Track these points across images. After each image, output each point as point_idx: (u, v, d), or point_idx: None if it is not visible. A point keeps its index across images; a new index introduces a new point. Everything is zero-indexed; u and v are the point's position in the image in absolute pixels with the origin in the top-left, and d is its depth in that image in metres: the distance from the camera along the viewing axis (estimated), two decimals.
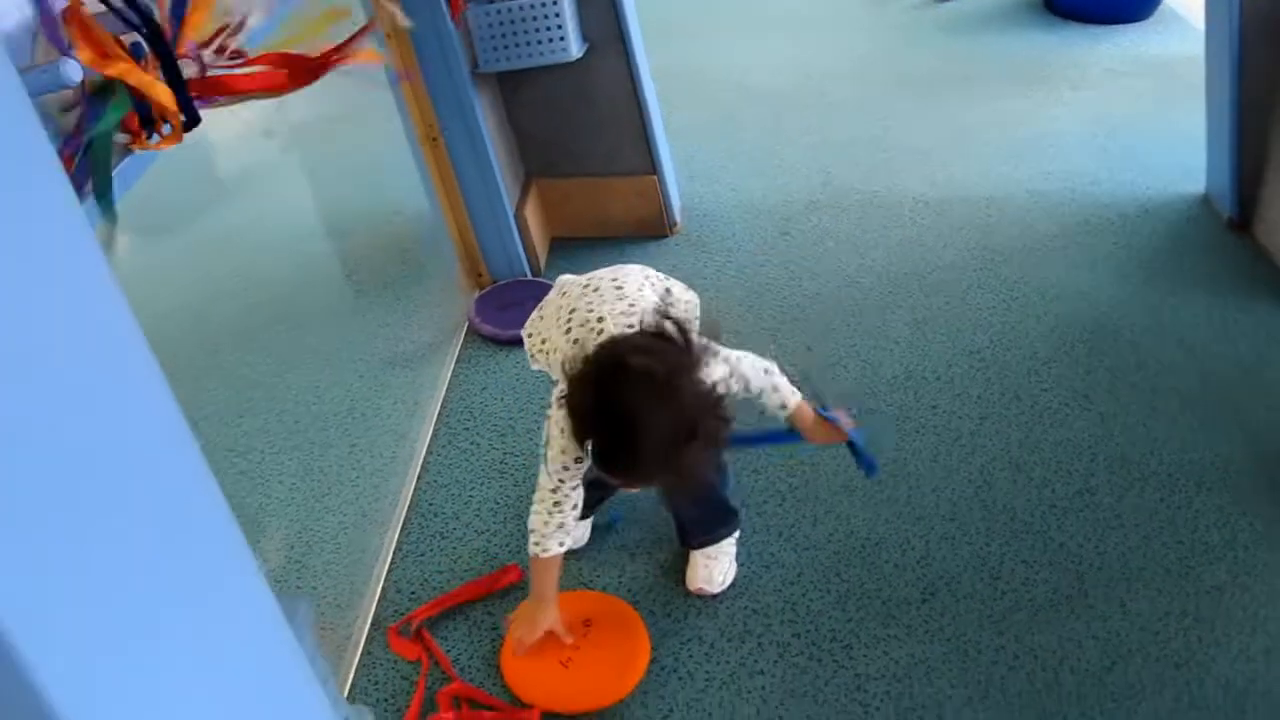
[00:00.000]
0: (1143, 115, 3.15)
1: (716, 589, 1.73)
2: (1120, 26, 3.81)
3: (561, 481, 1.48)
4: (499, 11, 2.24)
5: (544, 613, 1.60)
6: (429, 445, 2.10)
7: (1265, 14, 2.35)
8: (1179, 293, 2.37)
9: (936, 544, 1.79)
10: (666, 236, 2.66)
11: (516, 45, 2.28)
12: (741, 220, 2.74)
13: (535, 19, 2.25)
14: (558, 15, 2.26)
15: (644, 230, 2.64)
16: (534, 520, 1.53)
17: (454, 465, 2.05)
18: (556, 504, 1.50)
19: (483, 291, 2.47)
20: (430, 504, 1.97)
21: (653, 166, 2.56)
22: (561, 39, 2.28)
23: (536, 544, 1.54)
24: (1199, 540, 1.76)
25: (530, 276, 2.50)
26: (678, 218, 2.69)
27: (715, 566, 1.74)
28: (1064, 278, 2.46)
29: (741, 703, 1.56)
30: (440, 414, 2.17)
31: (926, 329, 2.32)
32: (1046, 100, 3.34)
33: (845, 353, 2.26)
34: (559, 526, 1.52)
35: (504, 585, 1.77)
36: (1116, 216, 2.68)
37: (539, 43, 2.29)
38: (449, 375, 2.28)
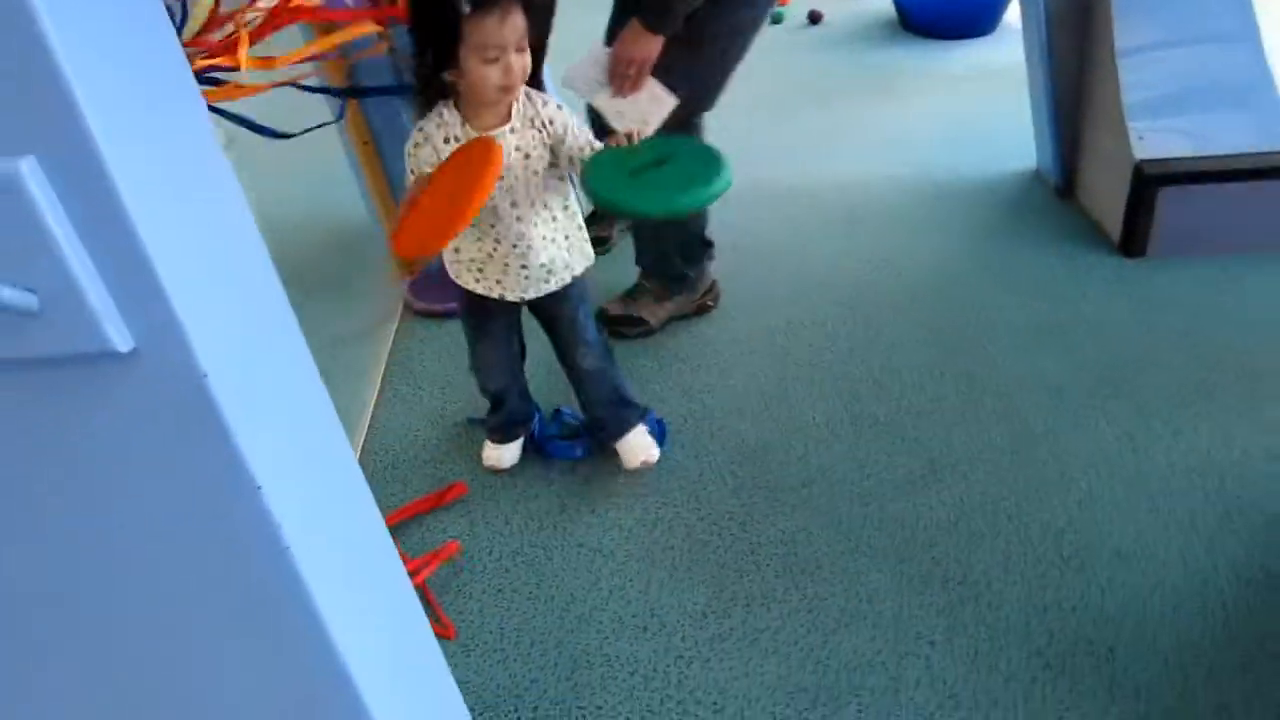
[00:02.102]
0: (985, 111, 3.62)
1: (655, 455, 2.10)
2: (967, 41, 4.33)
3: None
4: None
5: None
6: (376, 401, 2.39)
7: (1066, 18, 2.81)
8: (1015, 249, 2.80)
9: (813, 446, 2.14)
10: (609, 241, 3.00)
11: None
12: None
13: None
14: None
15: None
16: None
17: (400, 415, 2.34)
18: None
19: (413, 276, 2.77)
20: (381, 445, 2.26)
21: None
22: None
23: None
24: (1027, 430, 2.14)
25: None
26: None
27: (640, 443, 2.09)
28: (919, 242, 2.87)
29: (655, 570, 1.88)
30: (385, 377, 2.46)
31: (802, 287, 2.70)
32: (904, 104, 3.81)
33: (733, 309, 2.62)
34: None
35: (450, 499, 2.06)
36: (963, 191, 3.12)
37: None
38: (389, 347, 2.57)
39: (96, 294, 0.63)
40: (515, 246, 1.83)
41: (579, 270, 1.93)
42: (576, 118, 1.83)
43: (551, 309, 1.96)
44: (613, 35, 2.22)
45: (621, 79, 2.16)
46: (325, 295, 2.85)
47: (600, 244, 2.83)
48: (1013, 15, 4.40)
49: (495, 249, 1.84)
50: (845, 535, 1.92)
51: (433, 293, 2.68)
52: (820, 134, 3.61)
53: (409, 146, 1.76)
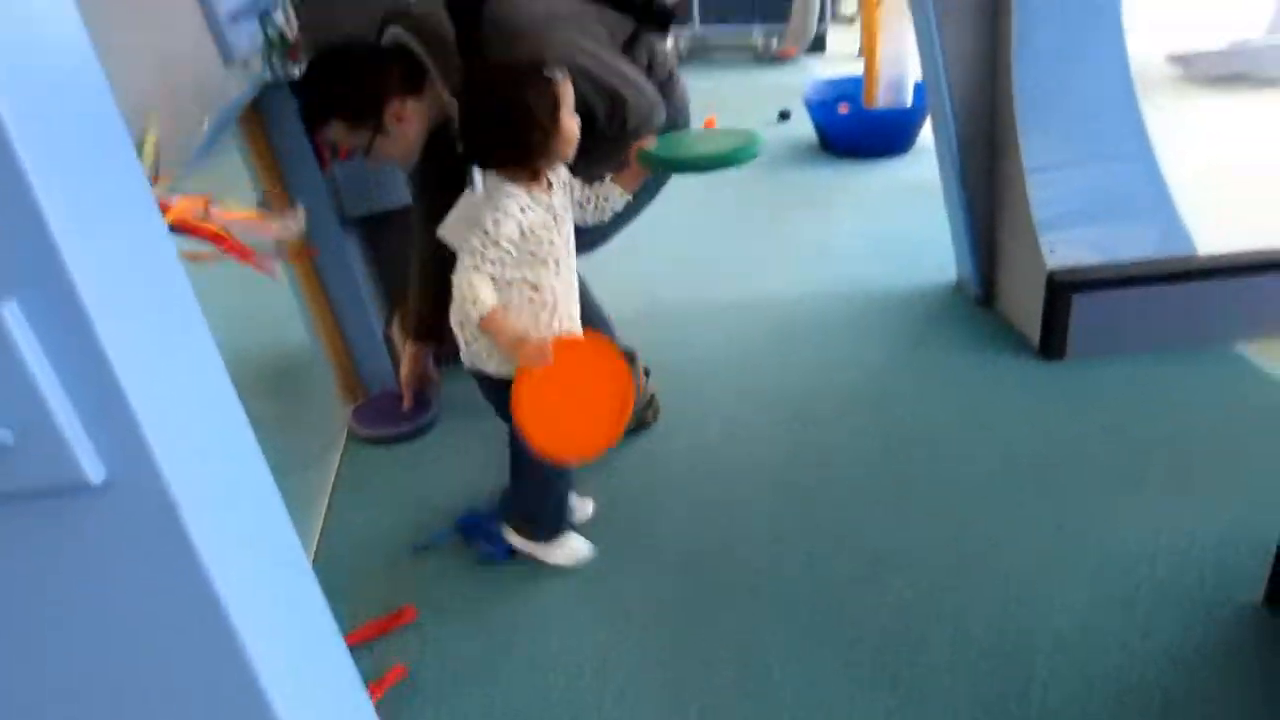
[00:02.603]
0: (906, 226, 3.79)
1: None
2: (885, 159, 4.56)
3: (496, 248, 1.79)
4: (361, 164, 2.65)
5: (536, 340, 1.79)
6: (322, 529, 2.38)
7: (975, 139, 3.00)
8: (942, 356, 2.92)
9: (759, 551, 2.18)
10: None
11: (378, 190, 2.70)
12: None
13: (393, 170, 2.68)
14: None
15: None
16: (469, 289, 1.76)
17: (348, 541, 2.34)
18: (476, 267, 1.78)
19: (358, 404, 2.80)
20: (328, 571, 2.25)
21: None
22: None
23: (481, 304, 1.76)
24: (964, 526, 2.20)
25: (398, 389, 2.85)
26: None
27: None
28: (851, 352, 2.98)
29: (608, 684, 1.89)
30: (330, 504, 2.46)
31: (741, 399, 2.77)
32: (831, 220, 3.98)
33: (675, 422, 2.68)
34: (485, 280, 1.79)
35: (399, 624, 2.05)
36: (890, 303, 3.25)
37: (399, 187, 2.71)
38: (335, 473, 2.58)
39: (71, 428, 0.66)
40: (559, 305, 1.91)
41: None
42: None
43: None
44: None
45: None
46: (269, 421, 2.86)
47: None
48: (927, 135, 4.64)
49: (548, 316, 1.90)
50: (796, 638, 1.94)
51: (379, 419, 2.70)
52: (753, 250, 3.75)
53: (487, 224, 1.78)
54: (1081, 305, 2.76)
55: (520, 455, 2.03)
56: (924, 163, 4.48)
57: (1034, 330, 2.89)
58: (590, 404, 1.86)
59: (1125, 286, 2.75)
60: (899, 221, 3.86)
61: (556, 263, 1.88)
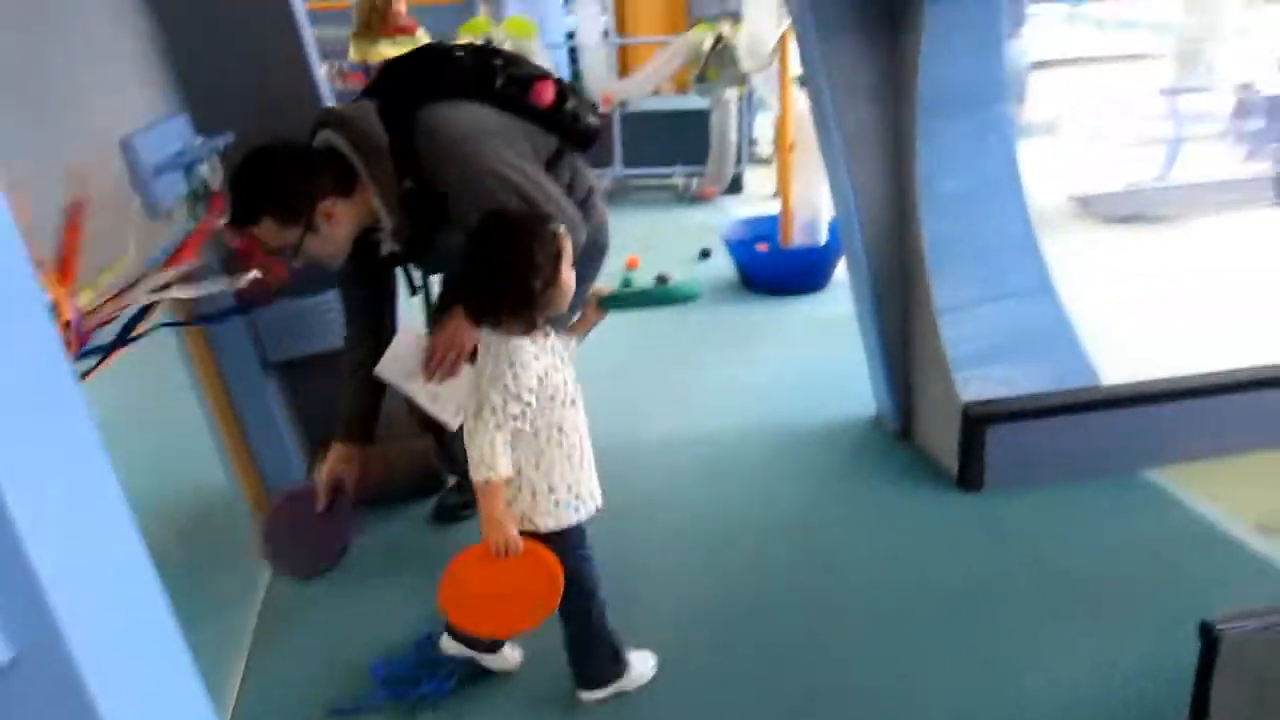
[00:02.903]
0: (825, 361, 3.89)
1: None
2: (802, 296, 4.70)
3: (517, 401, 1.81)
4: (284, 309, 2.66)
5: (511, 532, 1.86)
6: (240, 689, 2.28)
7: (889, 278, 3.12)
8: (864, 489, 2.96)
9: (691, 686, 2.15)
10: (445, 488, 3.03)
11: (299, 336, 2.70)
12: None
13: (315, 314, 2.69)
14: (333, 311, 2.70)
15: (424, 486, 3.00)
16: (489, 452, 1.79)
17: (267, 700, 2.25)
18: (499, 425, 1.79)
19: (268, 511, 2.65)
20: None
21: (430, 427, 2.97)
22: (338, 329, 2.72)
23: (490, 469, 1.80)
24: (891, 661, 2.21)
25: None
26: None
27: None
28: (775, 486, 3.01)
29: None
30: (250, 657, 2.37)
31: (670, 536, 2.77)
32: (753, 357, 4.06)
33: (608, 555, 2.65)
34: (505, 444, 1.81)
35: None
36: (812, 437, 3.30)
37: (318, 333, 2.72)
38: (254, 624, 2.49)
39: None
40: (583, 443, 1.97)
41: None
42: None
43: None
44: (435, 323, 2.36)
45: (441, 366, 2.32)
46: (184, 569, 2.77)
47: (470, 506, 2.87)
48: (842, 272, 4.80)
49: (579, 458, 1.96)
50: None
51: (294, 539, 2.60)
52: (679, 388, 3.80)
53: (507, 379, 1.80)
54: (995, 437, 2.84)
55: (572, 625, 2.09)
56: (840, 299, 4.61)
57: (952, 462, 2.96)
58: (513, 598, 1.95)
59: (1036, 418, 2.85)
60: (819, 357, 3.96)
61: (573, 401, 1.93)
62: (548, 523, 1.93)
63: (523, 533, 1.89)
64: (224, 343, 2.53)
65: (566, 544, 1.97)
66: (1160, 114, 6.56)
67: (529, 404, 1.82)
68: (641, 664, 2.18)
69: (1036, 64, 7.81)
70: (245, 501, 2.72)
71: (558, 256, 1.82)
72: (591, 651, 2.11)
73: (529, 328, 1.83)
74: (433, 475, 2.99)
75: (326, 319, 2.70)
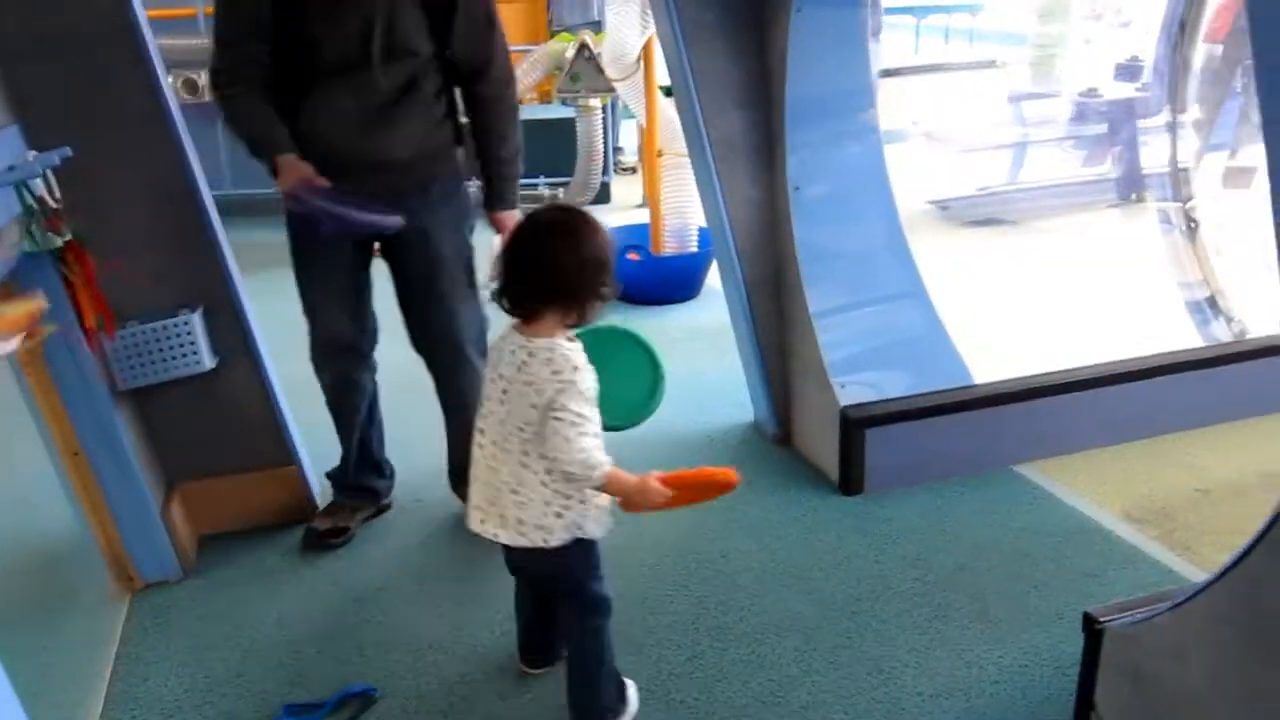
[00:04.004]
0: (700, 368, 3.87)
1: None
2: (676, 305, 4.69)
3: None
4: (133, 335, 2.48)
5: (651, 483, 1.85)
6: None
7: (762, 285, 3.11)
8: (746, 497, 2.92)
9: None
10: (310, 520, 2.88)
11: (152, 362, 2.52)
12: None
13: (169, 338, 2.52)
14: (189, 334, 2.54)
15: (290, 517, 2.84)
16: (590, 454, 1.74)
17: None
18: (582, 432, 1.73)
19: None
20: None
21: (291, 458, 2.82)
22: (195, 353, 2.55)
23: (602, 467, 1.76)
24: (784, 675, 2.19)
25: (181, 574, 2.61)
26: (319, 502, 2.91)
27: None
28: None
29: None
30: (104, 714, 2.19)
31: None
32: None
33: (467, 572, 2.57)
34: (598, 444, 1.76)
35: None
36: (690, 446, 3.28)
37: (173, 358, 2.54)
38: (109, 675, 2.30)
39: None
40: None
41: None
42: None
43: None
44: None
45: None
46: (29, 618, 2.56)
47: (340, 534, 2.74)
48: (714, 279, 4.81)
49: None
50: None
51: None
52: None
53: (583, 387, 1.76)
54: (874, 440, 2.87)
55: (583, 655, 1.99)
56: (714, 306, 4.61)
57: (832, 466, 2.97)
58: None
59: (913, 419, 2.88)
60: (695, 364, 3.94)
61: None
62: (595, 531, 1.88)
63: (528, 550, 1.84)
64: (65, 372, 2.33)
65: (592, 559, 1.93)
66: (1008, 119, 6.82)
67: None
68: (634, 696, 2.10)
69: (885, 72, 8.02)
70: (95, 541, 2.52)
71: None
72: (599, 684, 1.99)
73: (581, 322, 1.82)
74: (298, 503, 2.84)
75: (180, 343, 2.53)
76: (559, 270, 1.75)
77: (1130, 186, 5.56)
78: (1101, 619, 1.95)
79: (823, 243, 2.97)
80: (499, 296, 1.80)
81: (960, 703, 2.09)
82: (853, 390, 2.90)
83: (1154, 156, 5.03)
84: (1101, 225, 5.82)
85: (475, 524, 1.90)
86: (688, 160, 4.67)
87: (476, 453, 1.88)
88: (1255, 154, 4.48)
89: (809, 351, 2.99)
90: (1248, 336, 3.26)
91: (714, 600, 2.47)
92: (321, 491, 2.95)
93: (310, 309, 2.63)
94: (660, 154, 4.69)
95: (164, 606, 2.53)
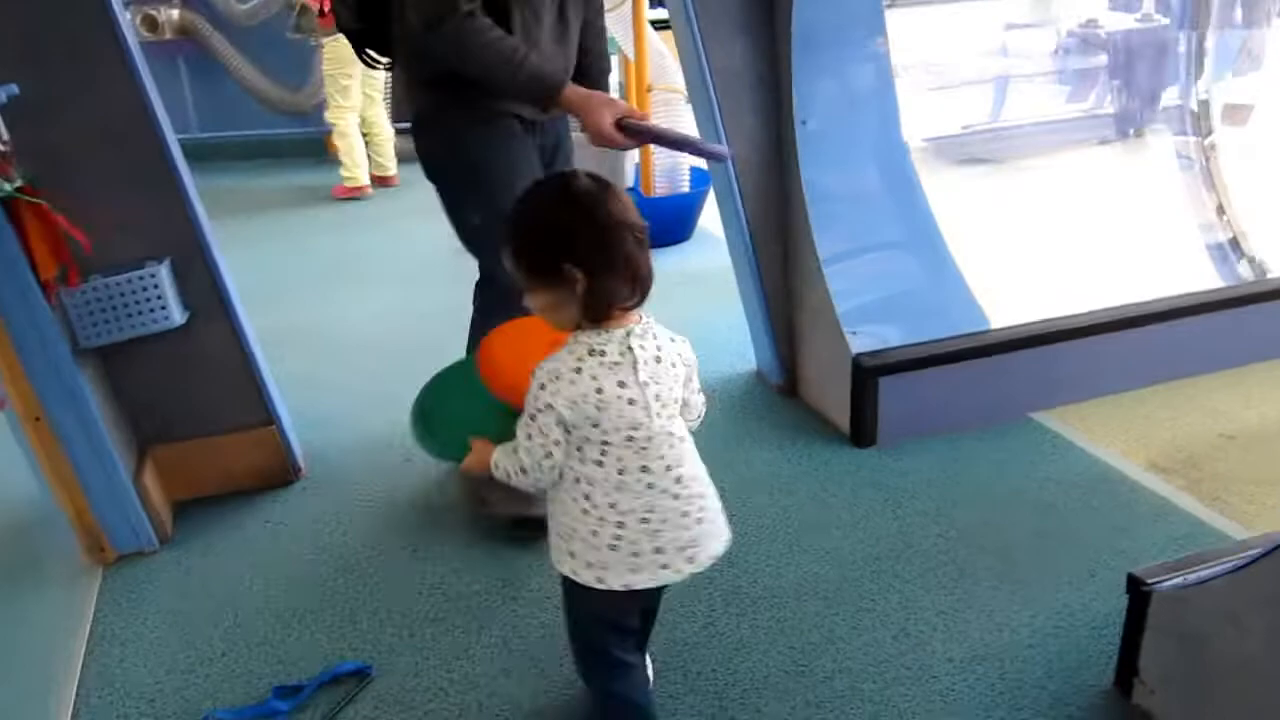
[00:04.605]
0: (698, 315, 3.70)
1: None
2: (669, 248, 4.50)
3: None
4: (95, 289, 2.29)
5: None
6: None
7: (764, 223, 2.94)
8: (754, 451, 2.80)
9: None
10: (293, 483, 2.72)
11: (117, 318, 2.33)
12: (365, 457, 2.85)
13: (134, 292, 2.33)
14: (156, 287, 2.35)
15: (269, 480, 2.68)
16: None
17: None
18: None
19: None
20: None
21: (269, 417, 2.65)
22: (163, 308, 2.37)
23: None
24: (806, 643, 2.06)
25: (157, 544, 2.46)
26: (301, 464, 2.76)
27: None
28: None
29: None
30: (78, 697, 2.04)
31: None
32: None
33: (469, 539, 2.42)
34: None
35: None
36: None
37: (140, 314, 2.36)
38: (81, 660, 2.14)
39: None
40: None
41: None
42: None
43: None
44: None
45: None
46: None
47: None
48: (706, 220, 4.63)
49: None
50: None
51: None
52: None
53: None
54: (887, 389, 2.72)
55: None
56: (708, 249, 4.46)
57: (842, 417, 2.83)
58: None
59: (928, 367, 2.74)
60: (692, 311, 3.77)
61: None
62: (582, 573, 1.59)
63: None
64: (23, 330, 2.15)
65: (575, 611, 1.72)
66: (998, 52, 6.59)
67: None
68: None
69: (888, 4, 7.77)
70: (64, 512, 2.35)
71: None
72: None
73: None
74: (279, 465, 2.68)
75: (147, 297, 2.34)
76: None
77: (1129, 122, 5.38)
78: (1149, 581, 1.83)
79: (831, 182, 2.79)
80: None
81: (994, 668, 1.97)
82: (864, 338, 2.75)
83: (1158, 90, 4.88)
84: (1101, 163, 5.64)
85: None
86: (678, 96, 4.51)
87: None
88: (1253, 89, 4.31)
89: (818, 297, 2.83)
90: (1268, 276, 3.13)
91: (725, 562, 2.29)
92: (304, 453, 2.79)
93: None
94: (650, 89, 4.47)
95: (139, 580, 2.38)
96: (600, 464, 1.48)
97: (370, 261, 4.78)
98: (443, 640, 2.12)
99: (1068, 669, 1.96)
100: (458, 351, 3.52)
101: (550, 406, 1.44)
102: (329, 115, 5.90)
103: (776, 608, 2.17)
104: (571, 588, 1.60)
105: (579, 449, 1.48)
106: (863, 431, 2.77)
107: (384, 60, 2.41)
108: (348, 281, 4.49)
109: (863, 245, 2.80)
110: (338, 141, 5.90)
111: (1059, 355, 2.86)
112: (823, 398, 2.96)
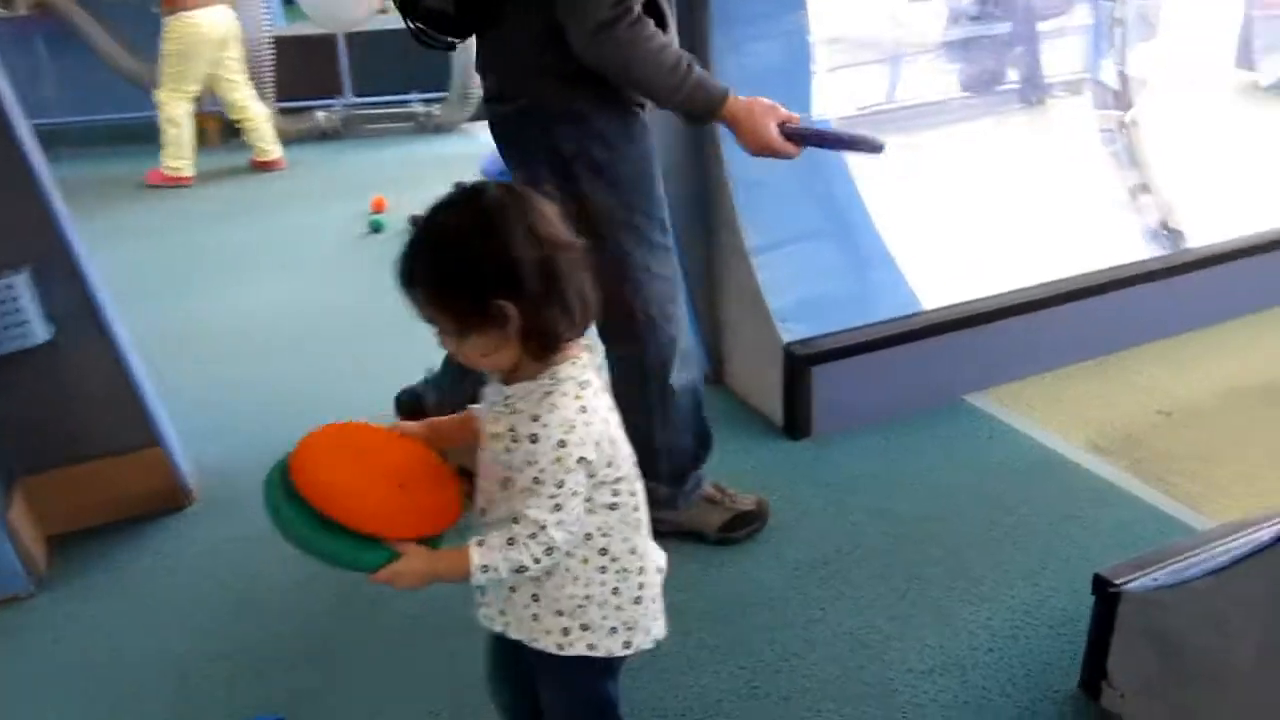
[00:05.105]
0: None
1: None
2: None
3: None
4: None
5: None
6: None
7: (684, 200, 2.78)
8: None
9: None
10: (185, 507, 2.46)
11: None
12: (266, 471, 2.61)
13: None
14: (14, 300, 2.09)
15: (157, 507, 2.43)
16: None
17: None
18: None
19: None
20: None
21: (153, 437, 2.40)
22: (23, 324, 2.11)
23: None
24: (760, 661, 1.92)
25: (31, 588, 2.19)
26: (193, 486, 2.51)
27: None
28: None
29: None
30: None
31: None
32: None
33: None
34: None
35: None
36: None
37: (24, 323, 2.10)
38: None
39: None
40: None
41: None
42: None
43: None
44: None
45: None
46: None
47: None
48: None
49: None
50: None
51: None
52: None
53: None
54: (822, 378, 2.60)
55: None
56: None
57: (773, 407, 2.71)
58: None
59: (862, 353, 2.63)
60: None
61: None
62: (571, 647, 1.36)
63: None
64: None
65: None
66: (898, 26, 6.53)
67: None
68: None
69: None
70: None
71: None
72: None
73: None
74: (167, 489, 2.43)
75: (4, 311, 2.08)
76: None
77: (1034, 91, 5.37)
78: (1117, 581, 1.74)
79: (756, 162, 2.65)
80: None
81: (956, 679, 1.87)
82: (796, 326, 2.62)
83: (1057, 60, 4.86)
84: (1017, 136, 5.62)
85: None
86: None
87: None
88: (1146, 62, 4.29)
89: (744, 281, 2.69)
90: (1191, 246, 3.11)
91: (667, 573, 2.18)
92: (196, 472, 2.53)
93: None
94: None
95: (13, 628, 2.12)
96: (614, 507, 1.28)
97: (258, 252, 4.43)
98: (366, 684, 1.92)
99: (1031, 674, 1.88)
100: (362, 344, 3.31)
101: (583, 460, 1.20)
102: (160, 95, 5.39)
103: (724, 623, 2.03)
104: (579, 669, 1.35)
105: (588, 499, 1.25)
106: (796, 423, 2.65)
107: (452, 40, 2.10)
108: (234, 275, 4.14)
109: (792, 231, 2.68)
110: (166, 126, 5.41)
111: (992, 335, 2.79)
112: (751, 386, 2.83)
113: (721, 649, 1.96)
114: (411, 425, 1.37)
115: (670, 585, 2.03)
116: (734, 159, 2.61)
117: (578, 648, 1.31)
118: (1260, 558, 1.47)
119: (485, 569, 1.20)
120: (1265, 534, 1.47)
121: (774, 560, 2.20)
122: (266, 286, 3.98)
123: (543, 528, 1.19)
